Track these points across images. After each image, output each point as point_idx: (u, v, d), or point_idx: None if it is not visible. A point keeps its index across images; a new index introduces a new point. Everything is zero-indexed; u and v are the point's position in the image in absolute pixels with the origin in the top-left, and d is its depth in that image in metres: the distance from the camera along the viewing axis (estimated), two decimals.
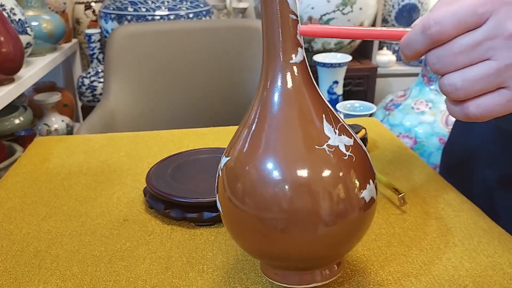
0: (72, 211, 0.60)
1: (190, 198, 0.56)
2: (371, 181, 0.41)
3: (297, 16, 0.39)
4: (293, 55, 0.39)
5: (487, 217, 0.58)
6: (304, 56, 0.40)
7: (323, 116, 0.40)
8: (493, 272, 0.48)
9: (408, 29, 0.38)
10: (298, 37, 0.39)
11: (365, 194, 0.40)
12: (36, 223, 0.58)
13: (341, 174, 0.38)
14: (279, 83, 0.39)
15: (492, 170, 0.66)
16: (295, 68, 0.40)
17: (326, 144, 0.38)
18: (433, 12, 0.34)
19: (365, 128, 0.76)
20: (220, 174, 0.42)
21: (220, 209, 0.42)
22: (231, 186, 0.40)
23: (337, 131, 0.39)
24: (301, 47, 0.40)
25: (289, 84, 0.39)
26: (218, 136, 0.83)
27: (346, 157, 0.39)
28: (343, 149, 0.39)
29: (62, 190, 0.65)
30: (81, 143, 0.81)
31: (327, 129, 0.39)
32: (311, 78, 0.41)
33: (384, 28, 0.38)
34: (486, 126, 0.66)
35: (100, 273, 0.49)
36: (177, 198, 0.57)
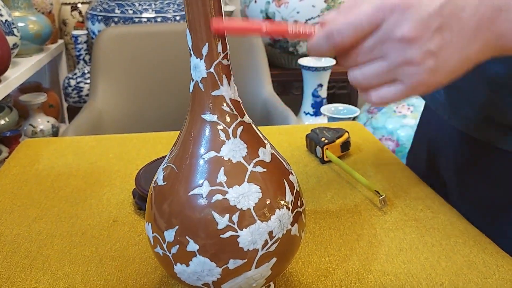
0: (63, 213, 0.61)
1: None
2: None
3: (189, 49, 0.39)
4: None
5: (463, 218, 0.60)
6: (193, 88, 0.41)
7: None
8: (468, 270, 0.50)
9: (316, 28, 0.41)
10: (191, 70, 0.41)
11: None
12: (26, 225, 0.59)
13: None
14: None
15: (448, 169, 0.69)
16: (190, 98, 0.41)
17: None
18: (334, 22, 0.39)
19: (348, 132, 0.78)
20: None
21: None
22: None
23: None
24: (192, 80, 0.41)
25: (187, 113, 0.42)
26: None
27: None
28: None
29: (52, 192, 0.67)
30: (69, 145, 0.82)
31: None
32: (198, 109, 0.41)
33: (295, 27, 0.40)
34: (445, 132, 0.69)
35: (91, 273, 0.50)
36: None
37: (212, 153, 0.39)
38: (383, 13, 0.37)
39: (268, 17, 1.78)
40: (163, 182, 0.40)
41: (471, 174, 0.64)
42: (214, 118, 0.40)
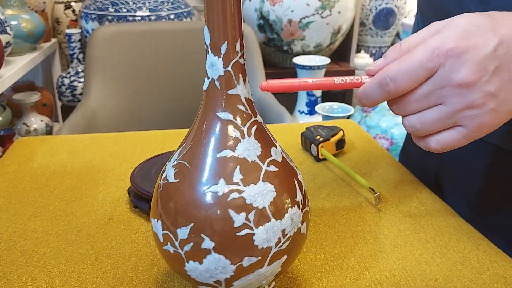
0: (58, 211, 0.61)
1: None
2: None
3: (207, 46, 0.39)
4: (204, 83, 0.40)
5: (457, 215, 0.61)
6: (208, 86, 0.40)
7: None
8: (462, 266, 0.51)
9: (363, 77, 0.42)
10: (206, 67, 0.40)
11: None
12: (22, 223, 0.59)
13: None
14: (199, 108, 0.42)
15: (440, 166, 0.70)
16: (203, 95, 0.41)
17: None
18: (386, 70, 0.39)
19: (343, 130, 0.79)
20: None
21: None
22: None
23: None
24: (207, 78, 0.40)
25: (199, 110, 0.41)
26: None
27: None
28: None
29: (47, 190, 0.66)
30: (64, 143, 0.82)
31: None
32: (213, 107, 0.40)
33: (342, 78, 0.42)
34: None
35: (87, 271, 0.50)
36: None
37: (228, 152, 0.39)
38: (438, 58, 0.37)
39: (262, 16, 1.78)
40: (175, 179, 0.40)
41: (462, 171, 0.65)
42: (230, 116, 0.39)
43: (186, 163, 0.40)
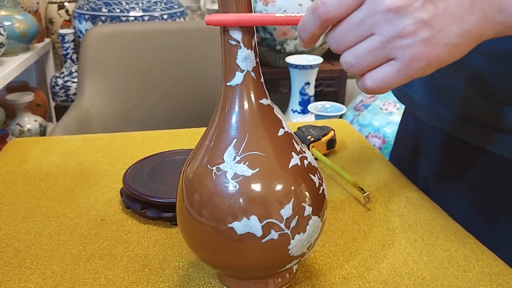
0: (51, 212, 0.62)
1: (166, 198, 0.59)
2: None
3: (237, 42, 0.41)
4: (230, 78, 0.42)
5: (445, 214, 0.62)
6: (242, 79, 0.42)
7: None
8: (449, 265, 0.52)
9: (276, 14, 0.40)
10: (237, 62, 0.41)
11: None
12: (15, 224, 0.59)
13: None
14: (220, 104, 0.43)
15: (429, 167, 0.71)
16: (230, 90, 0.42)
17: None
18: None
19: (333, 130, 0.79)
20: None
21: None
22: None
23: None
24: (240, 71, 0.42)
25: (225, 105, 0.43)
26: (193, 137, 0.86)
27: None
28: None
29: (40, 191, 0.67)
30: (57, 144, 0.83)
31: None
32: (255, 97, 0.42)
33: (283, 15, 0.40)
34: (425, 132, 0.70)
35: (80, 271, 0.51)
36: (153, 198, 0.59)
37: (282, 130, 0.44)
38: None
39: None
40: (253, 170, 0.41)
41: (450, 173, 0.66)
42: (268, 101, 0.44)
43: (257, 152, 0.41)
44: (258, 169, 0.41)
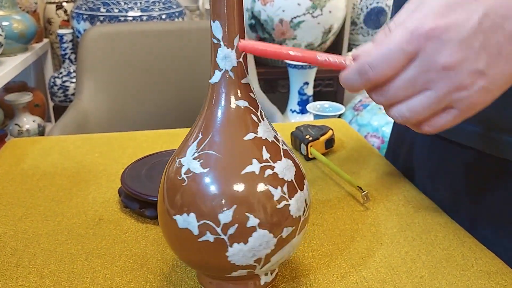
0: (48, 211, 0.62)
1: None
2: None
3: (218, 40, 0.41)
4: (211, 76, 0.42)
5: (443, 213, 0.62)
6: (220, 78, 0.42)
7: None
8: (448, 263, 0.52)
9: (347, 60, 0.40)
10: (217, 60, 0.41)
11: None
12: (12, 223, 0.59)
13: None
14: (206, 102, 0.43)
15: (423, 172, 0.70)
16: (211, 88, 0.43)
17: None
18: (366, 55, 0.37)
19: (332, 129, 0.79)
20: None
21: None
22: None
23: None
24: (218, 70, 0.42)
25: (205, 102, 0.43)
26: None
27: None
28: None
29: (37, 191, 0.67)
30: (55, 144, 0.82)
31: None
32: (230, 97, 0.42)
33: (326, 57, 0.40)
34: (422, 140, 0.70)
35: (77, 271, 0.51)
36: (151, 197, 0.59)
37: (252, 135, 0.42)
38: (417, 41, 0.35)
39: (253, 15, 1.79)
40: (204, 169, 0.41)
41: (444, 175, 0.65)
42: (246, 104, 0.42)
43: (213, 152, 0.41)
44: (208, 169, 0.40)
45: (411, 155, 0.73)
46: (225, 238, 0.40)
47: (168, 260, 0.52)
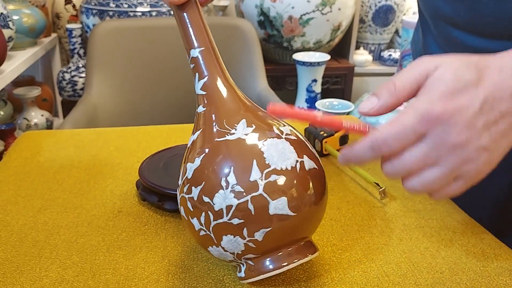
0: (67, 204, 0.62)
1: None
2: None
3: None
4: None
5: (461, 210, 0.62)
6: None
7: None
8: (467, 259, 0.52)
9: (367, 126, 0.43)
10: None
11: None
12: (32, 215, 0.59)
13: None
14: None
15: None
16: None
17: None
18: (379, 130, 0.41)
19: None
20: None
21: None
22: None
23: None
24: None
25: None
26: None
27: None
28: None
29: (55, 183, 0.67)
30: (70, 138, 0.83)
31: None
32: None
33: (351, 124, 0.43)
34: None
35: (100, 262, 0.51)
36: (170, 190, 0.59)
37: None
38: (428, 124, 0.39)
39: (263, 12, 1.79)
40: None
41: None
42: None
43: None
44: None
45: None
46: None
47: (189, 253, 0.53)
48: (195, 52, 0.47)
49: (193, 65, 0.47)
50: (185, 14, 0.46)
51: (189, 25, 0.47)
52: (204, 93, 0.46)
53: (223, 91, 0.46)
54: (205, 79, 0.46)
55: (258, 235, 0.41)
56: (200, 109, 0.46)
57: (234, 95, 0.46)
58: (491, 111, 0.39)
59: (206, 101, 0.46)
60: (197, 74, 0.47)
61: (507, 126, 0.40)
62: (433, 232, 0.57)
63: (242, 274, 0.45)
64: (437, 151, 0.39)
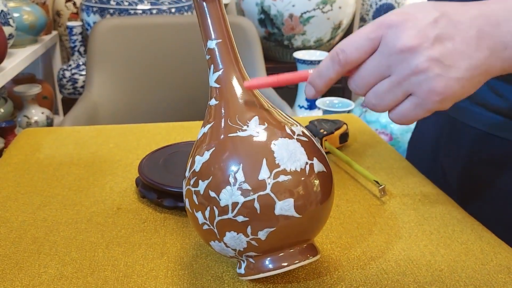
0: (67, 200, 0.62)
1: (182, 188, 0.59)
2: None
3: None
4: None
5: (460, 208, 0.62)
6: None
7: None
8: (466, 257, 0.52)
9: (310, 70, 0.44)
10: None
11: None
12: (31, 212, 0.60)
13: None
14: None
15: (448, 159, 0.71)
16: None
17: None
18: (338, 44, 0.42)
19: (346, 124, 0.80)
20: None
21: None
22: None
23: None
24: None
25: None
26: None
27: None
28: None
29: (55, 180, 0.67)
30: (69, 135, 0.83)
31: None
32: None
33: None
34: (445, 122, 0.71)
35: (99, 258, 0.51)
36: (169, 187, 0.59)
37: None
38: (380, 29, 0.40)
39: (263, 10, 1.79)
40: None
41: (474, 164, 0.66)
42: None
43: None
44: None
45: (436, 147, 0.74)
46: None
47: (188, 250, 0.53)
48: (212, 44, 0.46)
49: (209, 56, 0.46)
50: (204, 3, 0.46)
51: (207, 16, 0.46)
52: (218, 86, 0.46)
53: (237, 86, 0.46)
54: (220, 72, 0.46)
55: (262, 234, 0.41)
56: (213, 102, 0.46)
57: (248, 91, 0.46)
58: (447, 27, 0.39)
59: (219, 95, 0.46)
60: (212, 66, 0.46)
61: (465, 48, 0.39)
62: (432, 230, 0.57)
63: (242, 271, 0.45)
64: (388, 57, 0.39)
